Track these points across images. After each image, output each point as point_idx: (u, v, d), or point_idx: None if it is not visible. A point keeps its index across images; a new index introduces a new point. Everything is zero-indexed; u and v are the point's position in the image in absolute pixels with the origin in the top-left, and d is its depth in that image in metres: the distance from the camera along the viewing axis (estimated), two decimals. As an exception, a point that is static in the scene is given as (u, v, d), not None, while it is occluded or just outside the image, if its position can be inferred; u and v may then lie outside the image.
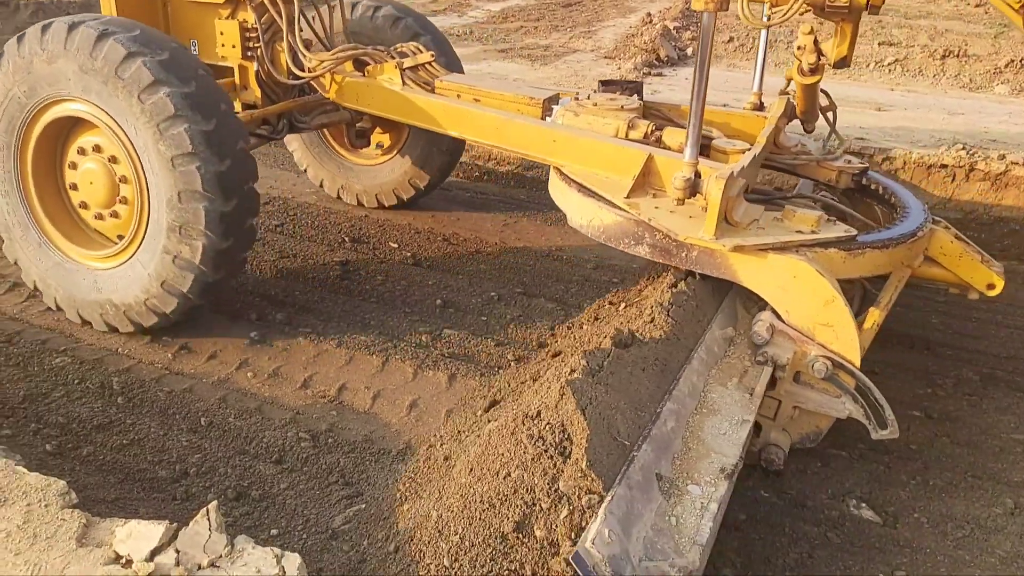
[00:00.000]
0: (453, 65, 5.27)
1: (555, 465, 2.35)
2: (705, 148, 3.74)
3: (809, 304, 3.10)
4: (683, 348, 3.09)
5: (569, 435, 2.41)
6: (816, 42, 3.66)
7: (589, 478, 2.29)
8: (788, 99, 4.24)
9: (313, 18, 4.74)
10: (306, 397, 3.79)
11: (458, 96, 4.39)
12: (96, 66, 3.71)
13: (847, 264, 3.23)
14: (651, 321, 3.10)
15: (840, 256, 3.21)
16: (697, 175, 3.28)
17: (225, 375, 3.92)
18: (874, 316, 3.34)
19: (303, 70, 4.48)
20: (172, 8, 4.70)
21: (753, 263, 3.16)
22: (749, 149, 3.68)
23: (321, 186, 6.06)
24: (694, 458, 2.70)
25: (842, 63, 3.86)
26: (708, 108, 3.77)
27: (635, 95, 4.26)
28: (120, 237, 4.10)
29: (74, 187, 4.16)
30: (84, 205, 4.18)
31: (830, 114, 4.28)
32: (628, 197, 3.49)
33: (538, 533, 2.26)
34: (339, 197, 6.02)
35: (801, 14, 3.57)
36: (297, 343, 4.20)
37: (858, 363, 3.08)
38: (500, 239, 5.64)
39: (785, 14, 3.44)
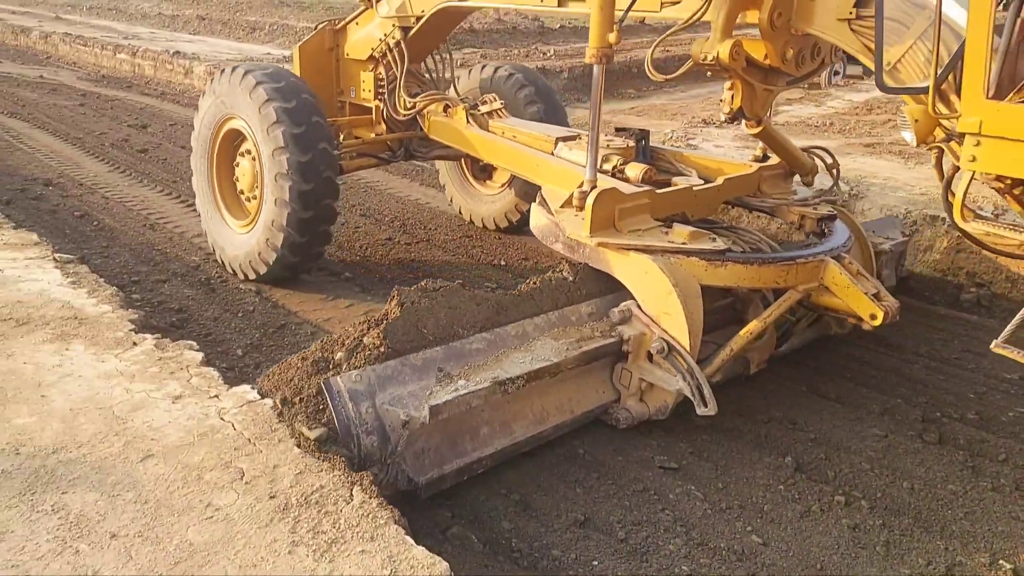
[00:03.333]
0: (555, 114, 6.51)
1: (368, 329, 3.57)
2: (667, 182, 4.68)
3: (655, 295, 3.84)
4: (535, 308, 4.00)
5: (387, 316, 3.62)
6: (733, 98, 4.32)
7: (380, 343, 3.49)
8: (765, 154, 5.10)
9: (429, 71, 6.29)
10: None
11: (502, 133, 5.53)
12: (241, 92, 5.41)
13: (709, 272, 3.93)
14: (519, 286, 4.17)
15: (702, 265, 3.92)
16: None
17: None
18: (750, 326, 4.02)
19: (405, 110, 5.91)
20: (340, 65, 6.37)
21: (621, 260, 3.99)
22: (701, 186, 4.63)
23: (451, 203, 7.49)
24: (482, 369, 3.55)
25: (736, 116, 4.40)
26: (713, 157, 5.19)
27: (640, 140, 5.11)
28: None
29: (236, 178, 5.84)
30: (241, 191, 5.83)
31: (834, 170, 5.19)
32: (561, 207, 4.38)
33: (337, 357, 3.48)
34: (459, 213, 7.40)
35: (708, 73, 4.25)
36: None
37: (688, 348, 3.71)
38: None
39: (679, 72, 4.18)
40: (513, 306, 4.00)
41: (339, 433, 3.23)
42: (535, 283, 4.18)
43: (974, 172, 2.96)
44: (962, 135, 2.93)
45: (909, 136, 3.46)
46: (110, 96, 13.45)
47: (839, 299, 4.07)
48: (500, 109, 5.83)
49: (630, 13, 4.17)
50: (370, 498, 2.86)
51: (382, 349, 3.48)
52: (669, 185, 4.61)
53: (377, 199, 8.05)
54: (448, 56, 6.31)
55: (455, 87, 6.44)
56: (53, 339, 4.03)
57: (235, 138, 5.76)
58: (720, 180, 4.76)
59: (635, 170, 4.58)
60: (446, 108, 5.80)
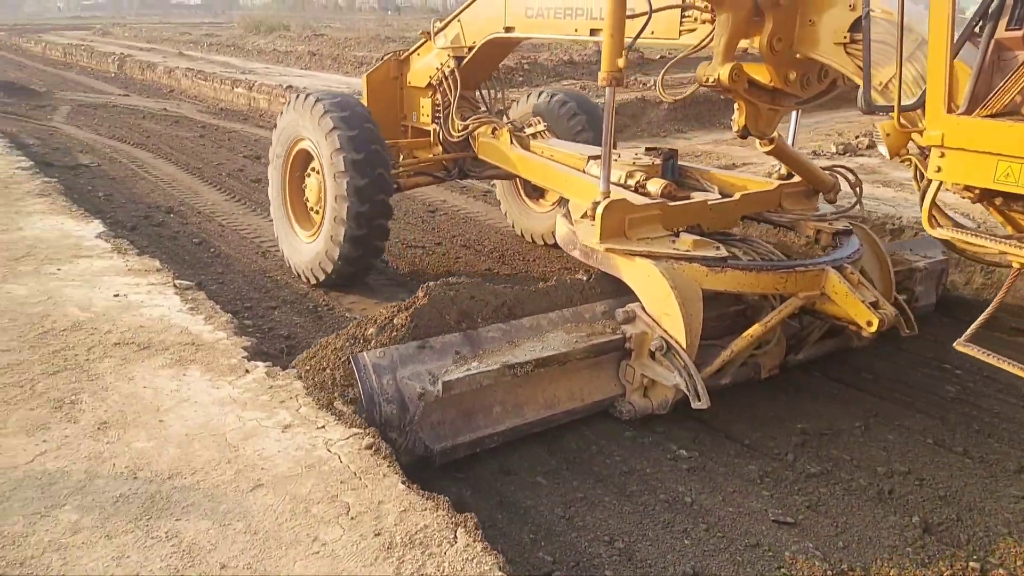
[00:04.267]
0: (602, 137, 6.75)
1: (399, 312, 4.16)
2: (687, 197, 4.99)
3: (657, 297, 4.12)
4: (550, 304, 4.42)
5: (415, 303, 4.19)
6: (738, 117, 4.56)
7: (406, 324, 4.05)
8: (783, 172, 5.36)
9: (483, 97, 6.73)
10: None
11: (541, 153, 5.94)
12: (312, 117, 5.91)
13: (710, 278, 4.18)
14: (537, 286, 4.63)
15: (703, 270, 4.17)
16: None
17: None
18: (752, 330, 4.27)
19: (457, 133, 6.36)
20: (404, 93, 6.87)
21: (628, 264, 4.32)
22: (716, 200, 4.95)
23: (506, 218, 7.94)
24: (495, 355, 3.96)
25: (744, 133, 4.61)
26: (740, 176, 5.51)
27: (668, 159, 5.36)
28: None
29: (305, 192, 6.32)
30: (308, 204, 6.33)
31: (857, 188, 5.35)
32: (581, 217, 4.72)
33: (368, 333, 4.08)
34: (513, 227, 7.86)
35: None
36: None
37: (685, 346, 3.96)
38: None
39: (687, 94, 4.85)
40: (530, 301, 4.50)
41: (363, 400, 3.70)
42: (553, 283, 4.62)
43: (941, 182, 3.14)
44: (928, 148, 3.13)
45: (883, 149, 3.60)
46: (227, 128, 14.13)
47: (839, 307, 4.27)
48: (543, 131, 6.25)
49: (646, 41, 4.61)
50: (474, 541, 2.81)
51: (407, 330, 4.04)
52: (688, 200, 4.89)
53: (476, 230, 8.11)
54: (499, 83, 6.79)
55: (506, 113, 6.91)
56: (171, 364, 4.18)
57: (306, 156, 6.26)
58: (737, 196, 5.08)
59: (655, 185, 4.91)
60: (494, 130, 6.21)
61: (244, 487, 3.13)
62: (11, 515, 2.94)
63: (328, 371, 3.97)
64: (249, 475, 3.21)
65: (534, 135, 6.16)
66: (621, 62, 4.18)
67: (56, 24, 51.99)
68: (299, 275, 6.44)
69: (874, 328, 4.12)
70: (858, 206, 5.47)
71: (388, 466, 3.24)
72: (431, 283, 4.32)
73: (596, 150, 5.63)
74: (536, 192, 7.43)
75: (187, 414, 3.68)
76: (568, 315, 4.35)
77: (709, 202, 4.89)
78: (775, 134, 4.77)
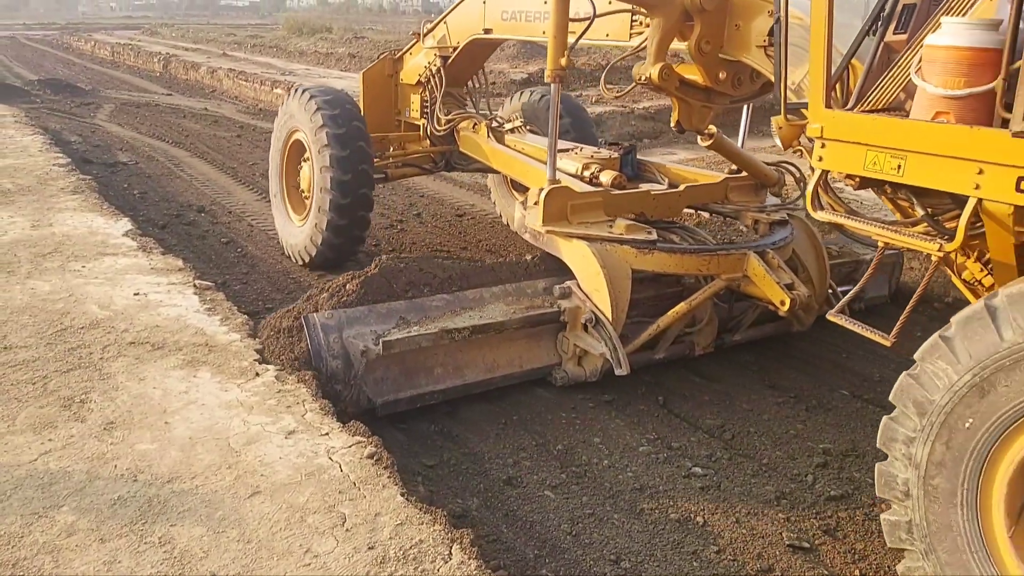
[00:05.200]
0: (583, 130, 7.32)
1: (351, 279, 4.72)
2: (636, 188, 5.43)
3: (589, 275, 4.52)
4: (495, 279, 4.92)
5: (367, 273, 4.77)
6: (672, 113, 4.98)
7: (356, 290, 4.61)
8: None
9: (469, 94, 7.05)
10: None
11: (513, 146, 6.24)
12: (304, 112, 6.33)
13: (639, 259, 4.58)
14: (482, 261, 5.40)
15: (633, 252, 4.57)
16: None
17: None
18: (677, 308, 4.65)
19: (441, 127, 6.71)
20: (398, 90, 7.23)
21: (567, 245, 4.71)
22: (659, 191, 5.37)
23: (495, 206, 8.27)
24: (436, 321, 4.40)
25: (679, 128, 5.01)
26: (695, 171, 5.90)
27: (627, 153, 5.80)
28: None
29: (299, 179, 6.78)
30: (301, 190, 6.77)
31: (802, 184, 5.47)
32: (533, 204, 5.00)
33: (320, 300, 4.61)
34: (501, 217, 8.11)
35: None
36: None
37: (611, 319, 4.36)
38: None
39: (626, 91, 5.28)
40: (476, 276, 5.00)
41: (311, 355, 4.19)
42: (500, 261, 4.95)
43: (824, 170, 3.40)
44: (811, 139, 3.42)
45: (778, 141, 3.89)
46: (265, 128, 14.25)
47: (757, 288, 4.61)
48: (520, 126, 6.63)
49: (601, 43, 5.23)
50: (469, 559, 2.73)
51: (357, 296, 4.57)
52: (634, 190, 5.33)
53: (504, 234, 8.04)
54: (484, 81, 7.13)
55: (489, 109, 7.24)
56: (183, 365, 4.18)
57: (300, 147, 6.70)
58: (682, 187, 5.45)
59: (607, 176, 5.29)
60: (474, 125, 6.62)
61: (242, 493, 3.10)
62: (9, 515, 2.94)
63: (284, 332, 4.42)
64: (248, 481, 3.17)
65: (511, 130, 6.51)
66: (564, 61, 4.62)
67: (107, 24, 53.21)
68: (291, 256, 6.88)
69: (786, 307, 4.45)
70: (802, 200, 5.49)
71: (388, 477, 3.18)
72: (384, 256, 4.93)
73: (563, 143, 6.05)
74: (522, 185, 7.35)
75: (193, 416, 3.66)
76: (510, 289, 4.80)
77: (652, 192, 5.28)
78: (714, 129, 5.07)
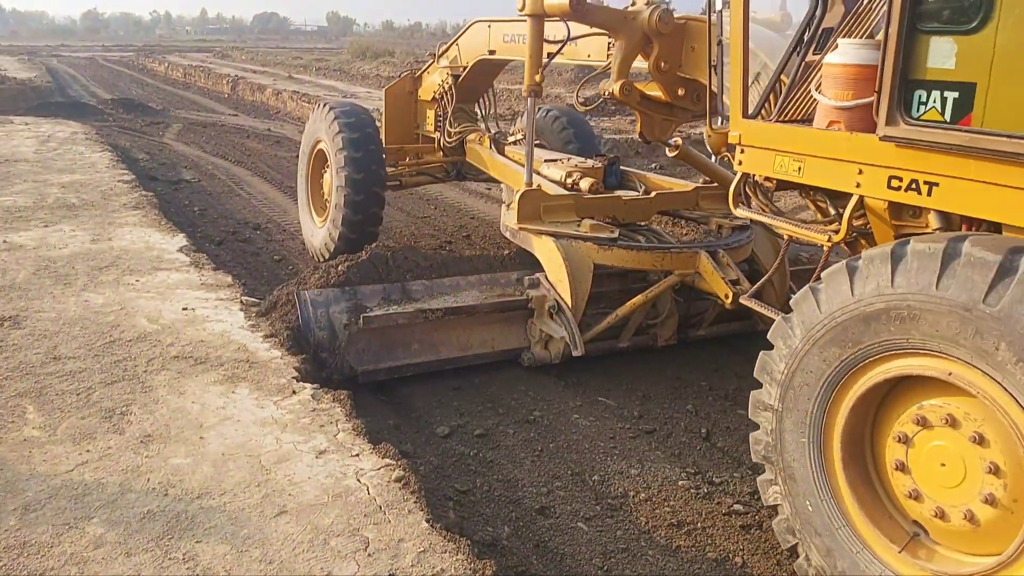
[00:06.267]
0: (587, 144, 7.78)
1: (343, 263, 5.52)
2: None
3: (554, 268, 5.02)
4: (472, 270, 5.66)
5: (358, 259, 5.58)
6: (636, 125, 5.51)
7: (345, 272, 5.36)
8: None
9: (480, 109, 7.57)
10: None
11: (511, 156, 6.70)
12: (325, 123, 6.98)
13: (600, 254, 5.04)
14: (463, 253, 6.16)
15: (595, 248, 5.04)
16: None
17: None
18: (634, 299, 5.05)
19: (450, 139, 7.31)
20: (417, 106, 7.75)
21: (537, 241, 5.22)
22: (630, 196, 5.79)
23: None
24: (414, 303, 5.00)
25: (643, 138, 5.55)
26: (673, 180, 6.37)
27: (611, 163, 6.16)
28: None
29: (322, 185, 7.32)
30: (324, 195, 7.23)
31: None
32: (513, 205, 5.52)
33: (312, 279, 5.40)
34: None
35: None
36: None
37: (571, 307, 4.86)
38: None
39: (595, 104, 5.56)
40: (455, 266, 5.77)
41: (301, 326, 4.81)
42: (478, 254, 5.47)
43: (745, 173, 3.79)
44: (734, 146, 3.84)
45: (709, 148, 4.33)
46: (323, 148, 14.53)
47: (707, 283, 4.99)
48: (521, 139, 7.16)
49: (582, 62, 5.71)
50: (490, 592, 2.65)
51: (346, 278, 5.28)
52: (606, 195, 5.81)
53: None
54: (492, 98, 7.64)
55: (493, 122, 7.73)
56: (223, 380, 4.21)
57: (323, 155, 7.24)
58: (653, 194, 5.94)
59: (585, 182, 5.74)
60: (480, 138, 7.18)
61: (268, 512, 3.08)
62: (42, 523, 2.98)
63: (282, 306, 5.13)
64: (275, 500, 3.16)
65: (514, 142, 7.08)
66: (538, 78, 5.22)
67: (181, 46, 55.24)
68: (313, 255, 7.36)
69: (729, 300, 4.72)
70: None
71: (415, 502, 3.13)
72: (373, 244, 5.66)
73: (552, 155, 6.78)
74: None
75: (228, 432, 3.68)
76: (486, 279, 5.39)
77: (624, 198, 5.73)
78: (679, 141, 5.37)
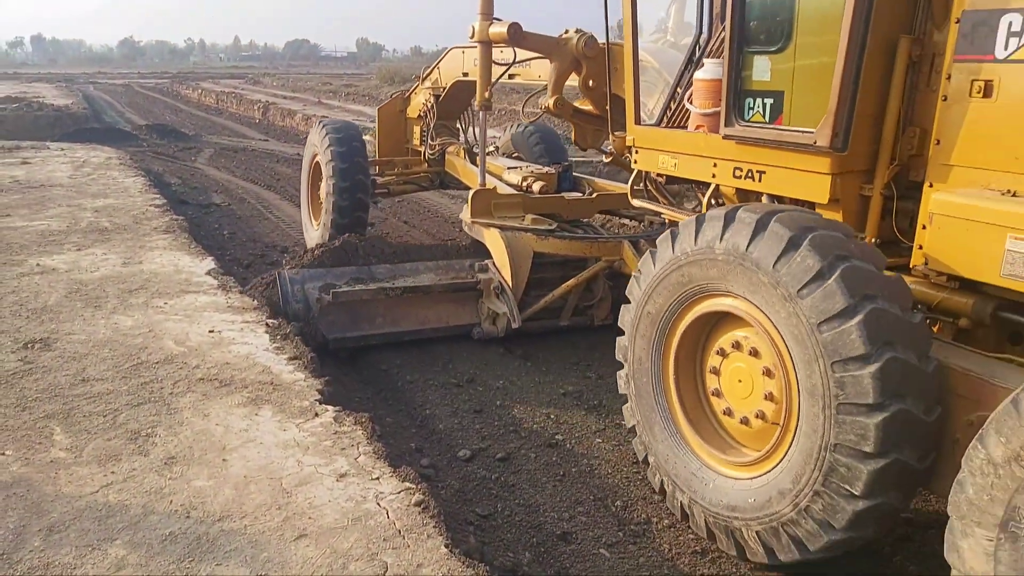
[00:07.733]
0: (555, 155, 8.51)
1: (319, 248, 7.16)
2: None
3: (499, 255, 5.94)
4: (431, 257, 6.80)
5: (332, 246, 7.11)
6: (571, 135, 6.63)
7: (320, 256, 6.88)
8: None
9: (461, 125, 8.58)
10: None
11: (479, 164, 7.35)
12: (320, 138, 7.98)
13: (539, 243, 5.92)
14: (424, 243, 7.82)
15: (534, 238, 5.92)
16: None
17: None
18: (568, 282, 5.99)
19: (431, 152, 8.41)
20: (406, 123, 8.87)
21: (487, 232, 6.09)
22: (573, 196, 6.63)
23: None
24: (377, 282, 5.91)
25: (577, 145, 6.51)
26: (614, 183, 7.19)
27: (565, 169, 6.99)
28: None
29: (319, 193, 8.13)
30: (320, 203, 8.06)
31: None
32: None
33: (293, 263, 6.98)
34: None
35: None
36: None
37: (511, 287, 5.79)
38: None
39: (539, 116, 7.59)
40: (417, 254, 6.97)
41: (280, 299, 5.76)
42: (437, 243, 6.25)
43: (639, 170, 4.71)
44: (631, 148, 4.72)
45: (612, 149, 5.21)
46: (351, 172, 14.68)
47: (629, 268, 5.70)
48: (494, 151, 8.38)
49: (534, 82, 6.56)
50: (509, 619, 2.62)
51: (320, 261, 6.65)
52: (552, 195, 6.62)
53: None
54: (471, 115, 8.37)
55: (466, 137, 8.62)
56: (247, 403, 4.24)
57: (319, 168, 8.14)
58: (595, 195, 6.77)
59: (537, 185, 6.59)
60: (456, 150, 8.08)
61: (288, 536, 3.08)
62: (65, 545, 3.01)
63: (266, 285, 6.32)
64: (296, 523, 3.16)
65: (488, 153, 7.75)
66: (487, 94, 6.09)
67: (214, 73, 56.30)
68: (307, 239, 8.47)
69: None
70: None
71: (434, 526, 3.11)
72: (347, 234, 7.08)
73: (513, 163, 7.66)
74: None
75: (250, 455, 3.69)
76: (443, 265, 6.33)
77: (567, 197, 6.56)
78: (612, 148, 5.69)
